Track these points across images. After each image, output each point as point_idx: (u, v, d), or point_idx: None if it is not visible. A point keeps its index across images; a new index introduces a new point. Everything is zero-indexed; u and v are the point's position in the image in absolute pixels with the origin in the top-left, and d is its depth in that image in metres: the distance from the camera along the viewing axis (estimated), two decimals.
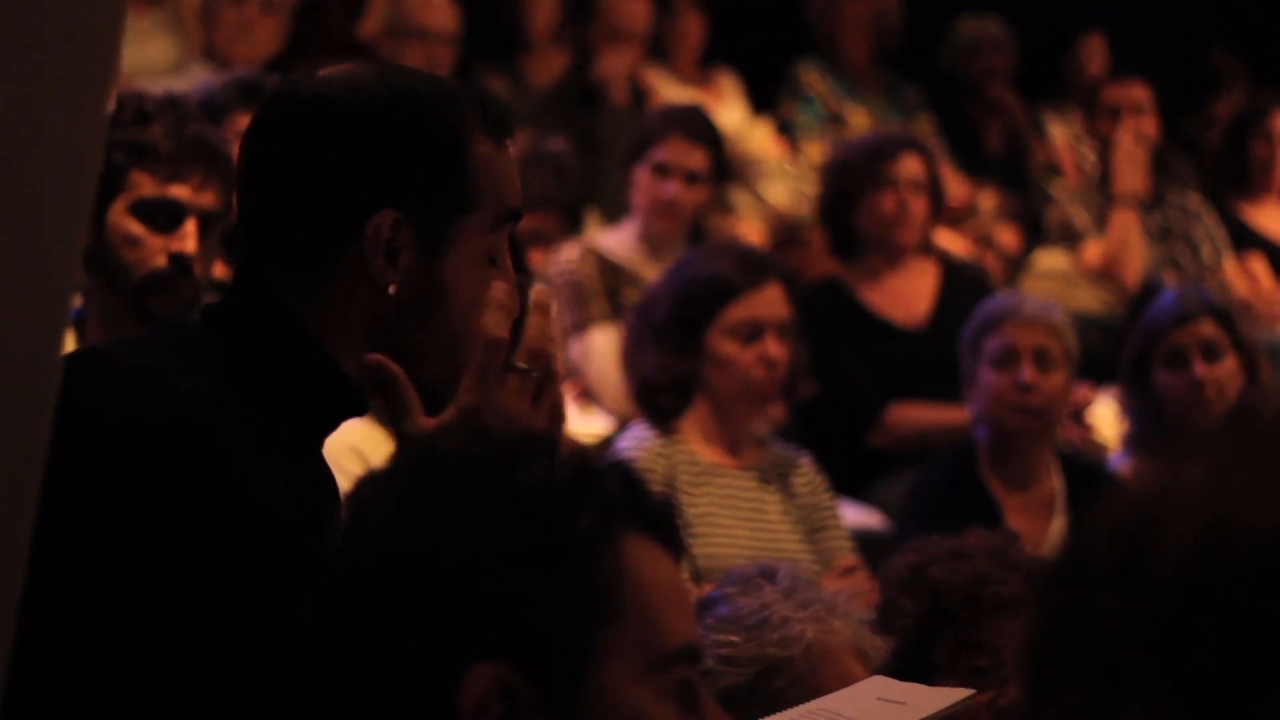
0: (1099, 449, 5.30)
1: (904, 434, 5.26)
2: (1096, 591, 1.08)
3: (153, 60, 6.09)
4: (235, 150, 3.36)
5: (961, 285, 5.58)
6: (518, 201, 2.11)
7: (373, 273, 2.02)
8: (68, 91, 1.49)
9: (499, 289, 2.07)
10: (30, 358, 1.51)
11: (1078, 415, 5.32)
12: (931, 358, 5.28)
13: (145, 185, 3.23)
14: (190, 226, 3.24)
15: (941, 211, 5.78)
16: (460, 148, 2.05)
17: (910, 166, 5.46)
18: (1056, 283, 6.55)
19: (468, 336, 2.07)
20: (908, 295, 5.50)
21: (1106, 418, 5.35)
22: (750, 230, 6.72)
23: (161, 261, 3.23)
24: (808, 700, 2.29)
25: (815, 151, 7.39)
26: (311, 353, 2.03)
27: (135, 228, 3.23)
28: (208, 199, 3.26)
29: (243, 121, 3.98)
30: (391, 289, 2.03)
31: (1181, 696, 1.03)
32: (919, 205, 5.45)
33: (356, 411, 2.09)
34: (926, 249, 5.61)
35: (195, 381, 1.95)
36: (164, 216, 3.23)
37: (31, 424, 1.51)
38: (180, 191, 3.24)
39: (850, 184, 5.47)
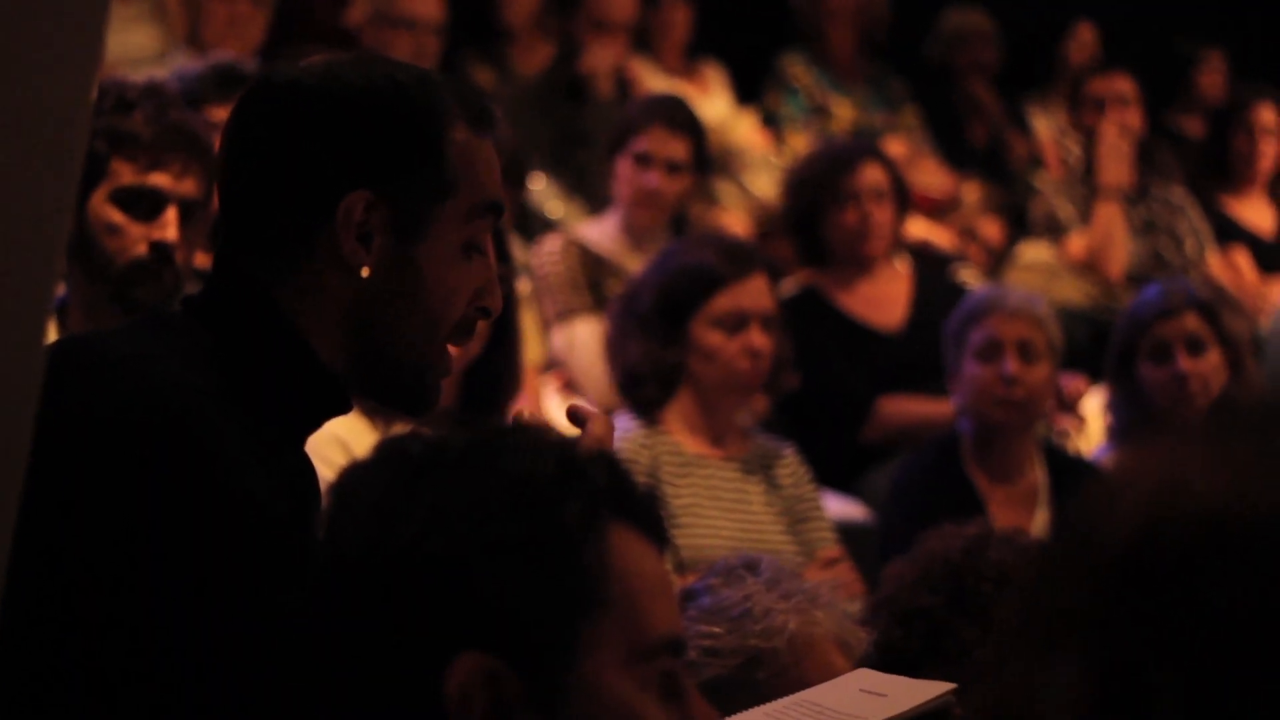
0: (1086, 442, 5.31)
1: (895, 427, 5.26)
2: (1051, 564, 1.11)
3: (136, 49, 6.08)
4: (213, 139, 3.36)
5: (935, 285, 5.59)
6: (498, 192, 2.10)
7: (345, 255, 2.02)
8: (52, 80, 1.49)
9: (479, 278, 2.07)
10: (13, 347, 1.50)
11: (1071, 406, 5.32)
12: (913, 361, 5.28)
13: (126, 174, 3.22)
14: (171, 215, 3.23)
15: (909, 211, 5.76)
16: (436, 133, 2.05)
17: (870, 176, 5.43)
18: (1040, 275, 6.55)
19: (444, 325, 2.06)
20: (883, 300, 5.50)
21: (1095, 410, 5.36)
22: (734, 221, 6.73)
23: (143, 250, 3.22)
24: (790, 691, 2.29)
25: (800, 143, 7.39)
26: (294, 347, 2.03)
27: (116, 216, 3.22)
28: (189, 187, 3.25)
29: (218, 112, 3.98)
30: (364, 272, 2.02)
31: (1101, 666, 1.06)
32: (883, 214, 5.42)
33: (340, 409, 2.09)
34: (898, 248, 5.61)
35: (179, 371, 1.95)
36: (145, 205, 3.23)
37: (15, 414, 1.50)
38: (161, 180, 3.23)
39: (811, 199, 5.45)
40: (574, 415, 2.15)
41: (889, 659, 2.60)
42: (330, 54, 2.14)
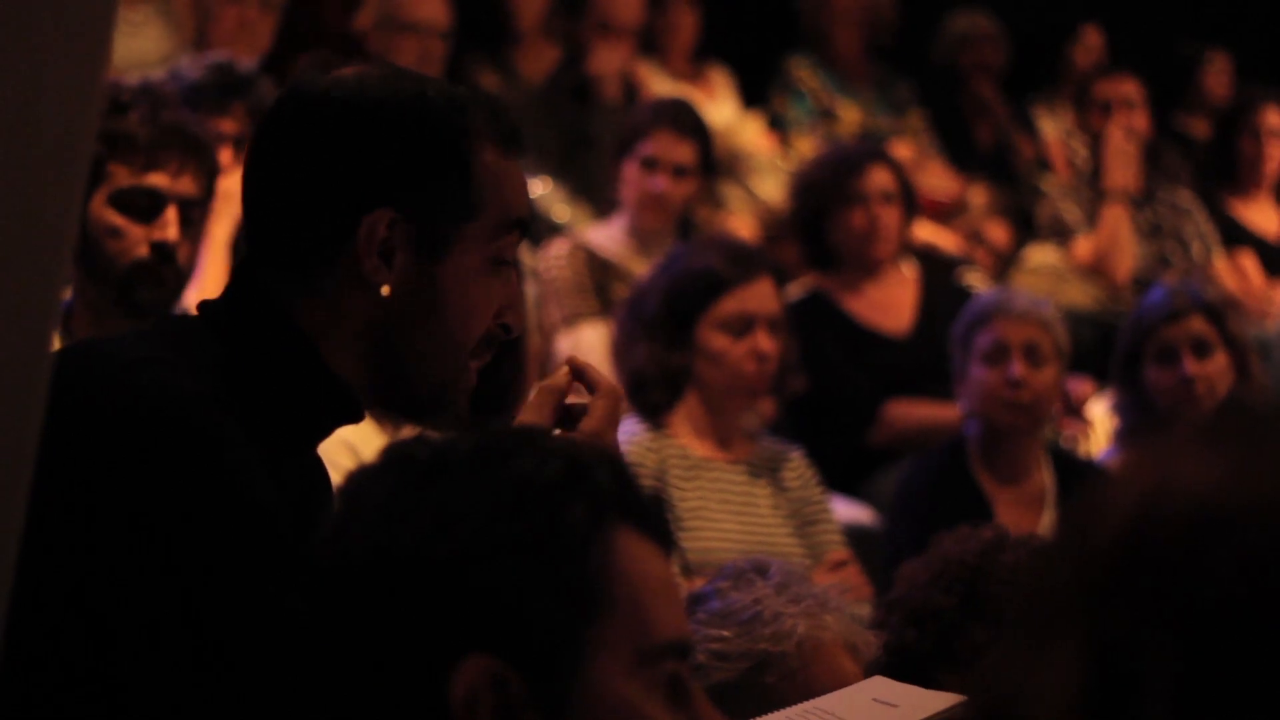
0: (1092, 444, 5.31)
1: (902, 430, 5.26)
2: (1046, 559, 1.14)
3: (143, 53, 6.08)
4: (210, 138, 3.34)
5: (942, 288, 5.58)
6: (525, 212, 2.10)
7: (366, 273, 2.01)
8: (58, 84, 1.49)
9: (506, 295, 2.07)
10: (20, 352, 1.50)
11: (1077, 409, 5.32)
12: (919, 364, 5.28)
13: (122, 175, 3.22)
14: (171, 214, 3.23)
15: (916, 214, 5.76)
16: (463, 153, 2.04)
17: (878, 179, 5.43)
18: (1047, 278, 6.55)
19: (466, 342, 2.06)
20: (890, 304, 5.50)
21: (1101, 414, 5.36)
22: (741, 225, 6.72)
23: (144, 251, 3.22)
24: (799, 695, 2.29)
25: (806, 146, 7.39)
26: (306, 357, 2.02)
27: (115, 219, 3.22)
28: (186, 185, 3.25)
29: (218, 113, 3.98)
30: (385, 290, 2.02)
31: (1090, 655, 1.08)
32: (891, 217, 5.43)
33: (352, 418, 2.09)
34: (905, 251, 5.61)
35: (185, 376, 1.95)
36: (144, 206, 3.23)
37: (22, 419, 1.50)
38: (158, 180, 3.23)
39: (819, 201, 5.45)
40: (581, 374, 2.11)
41: (900, 660, 2.60)
42: (358, 64, 2.12)
